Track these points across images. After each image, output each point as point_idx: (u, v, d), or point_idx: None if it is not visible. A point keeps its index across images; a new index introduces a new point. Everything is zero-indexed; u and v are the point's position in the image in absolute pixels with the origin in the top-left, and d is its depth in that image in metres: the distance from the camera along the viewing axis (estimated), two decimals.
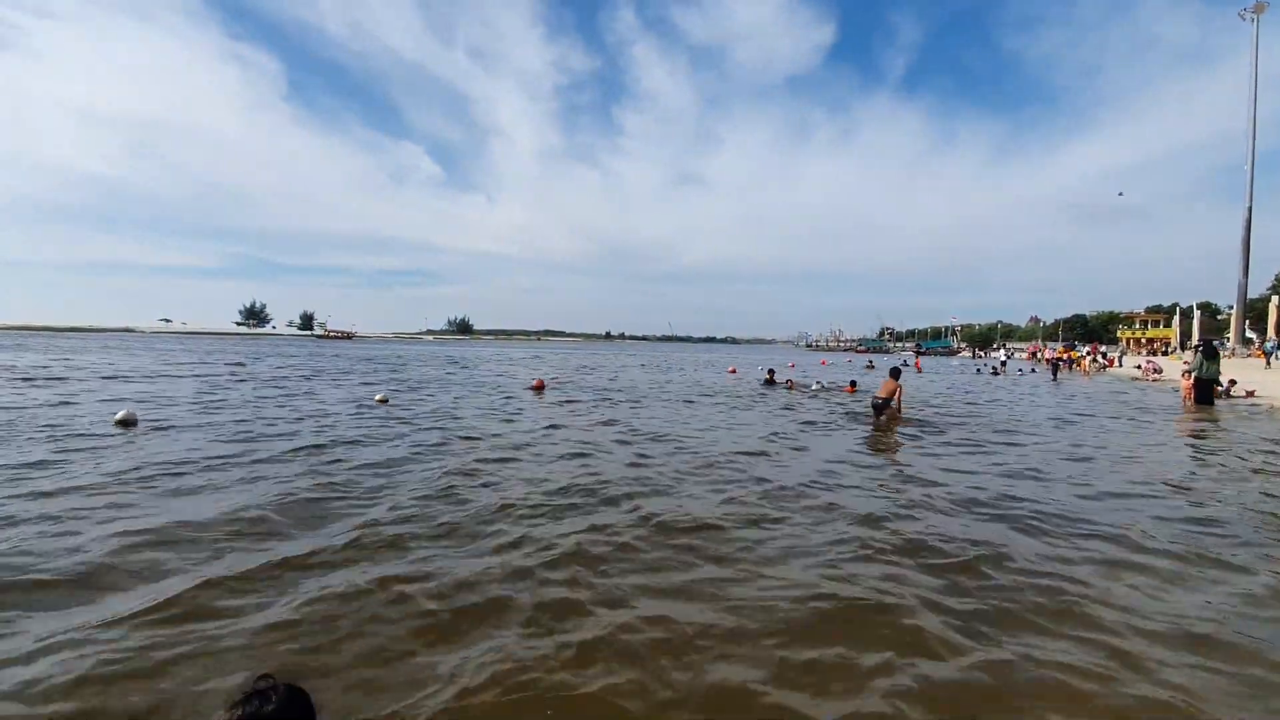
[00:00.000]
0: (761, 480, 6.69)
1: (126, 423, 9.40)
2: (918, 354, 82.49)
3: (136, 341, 66.85)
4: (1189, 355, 23.80)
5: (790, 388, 19.36)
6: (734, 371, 30.85)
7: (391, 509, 5.31)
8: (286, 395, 14.82)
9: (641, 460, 7.79)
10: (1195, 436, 10.95)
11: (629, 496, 5.92)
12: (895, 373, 12.41)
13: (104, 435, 8.59)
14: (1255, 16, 40.60)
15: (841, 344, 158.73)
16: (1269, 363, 29.49)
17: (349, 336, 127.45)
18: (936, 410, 14.17)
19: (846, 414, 13.01)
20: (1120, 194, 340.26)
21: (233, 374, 20.92)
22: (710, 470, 7.24)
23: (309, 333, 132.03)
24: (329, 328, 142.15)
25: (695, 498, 5.98)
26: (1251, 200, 40.26)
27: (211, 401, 12.99)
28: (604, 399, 15.91)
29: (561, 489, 6.13)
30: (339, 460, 7.31)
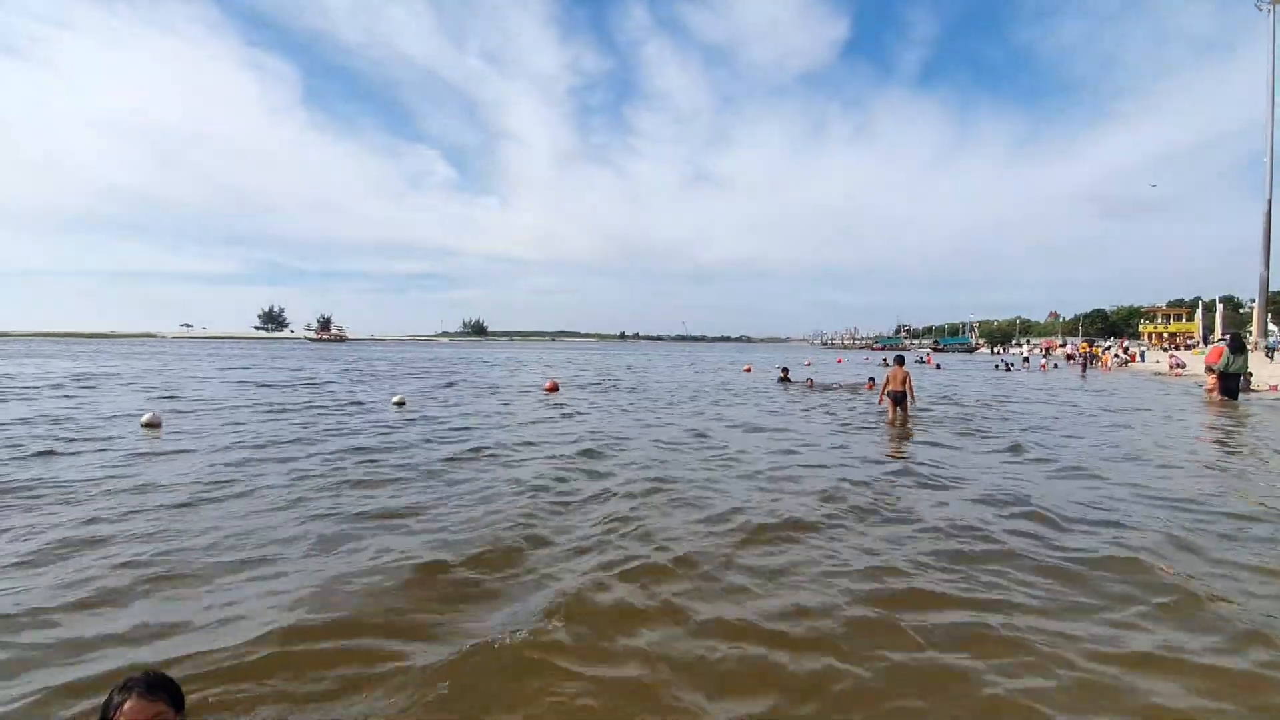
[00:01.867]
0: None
1: (151, 425, 9.94)
2: (934, 350, 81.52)
3: (159, 346, 68.24)
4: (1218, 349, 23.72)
5: (810, 386, 19.50)
6: (749, 370, 30.99)
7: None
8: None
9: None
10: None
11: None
12: (900, 360, 12.23)
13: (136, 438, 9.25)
14: (1272, 7, 39.92)
15: (857, 342, 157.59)
16: (1272, 357, 29.85)
17: (341, 339, 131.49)
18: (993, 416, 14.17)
19: (877, 412, 13.02)
20: (1153, 185, 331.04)
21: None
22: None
23: (325, 336, 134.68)
24: (319, 331, 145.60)
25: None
26: (1271, 192, 39.60)
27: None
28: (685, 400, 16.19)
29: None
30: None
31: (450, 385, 19.70)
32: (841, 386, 19.52)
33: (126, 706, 1.84)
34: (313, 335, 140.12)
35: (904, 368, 11.78)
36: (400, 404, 13.81)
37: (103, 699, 1.92)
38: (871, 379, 19.85)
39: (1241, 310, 63.28)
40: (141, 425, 9.91)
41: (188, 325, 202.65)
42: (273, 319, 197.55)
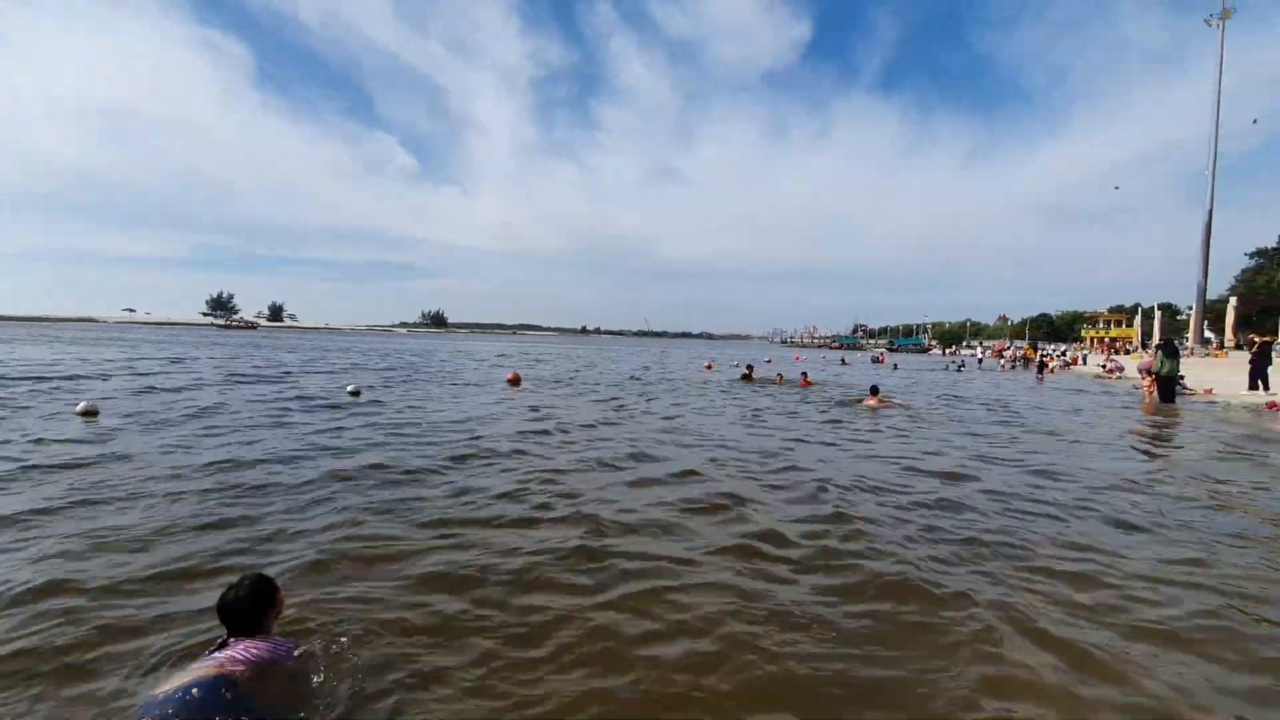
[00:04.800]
0: None
1: (88, 413, 9.39)
2: (890, 350, 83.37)
3: (100, 331, 64.86)
4: (1149, 354, 24.56)
5: (780, 382, 19.72)
6: (710, 367, 30.69)
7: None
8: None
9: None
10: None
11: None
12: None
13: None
14: (1221, 23, 41.69)
15: (816, 340, 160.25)
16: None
17: (253, 326, 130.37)
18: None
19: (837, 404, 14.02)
20: (1116, 188, 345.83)
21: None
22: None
23: (235, 323, 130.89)
24: (231, 319, 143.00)
25: None
26: (1212, 204, 41.39)
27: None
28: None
29: None
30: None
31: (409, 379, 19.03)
32: (783, 380, 20.23)
33: (280, 596, 2.52)
34: (220, 323, 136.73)
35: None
36: (355, 394, 13.48)
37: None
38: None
39: (1179, 317, 66.33)
40: (78, 414, 9.30)
41: (130, 310, 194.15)
42: (221, 305, 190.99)
